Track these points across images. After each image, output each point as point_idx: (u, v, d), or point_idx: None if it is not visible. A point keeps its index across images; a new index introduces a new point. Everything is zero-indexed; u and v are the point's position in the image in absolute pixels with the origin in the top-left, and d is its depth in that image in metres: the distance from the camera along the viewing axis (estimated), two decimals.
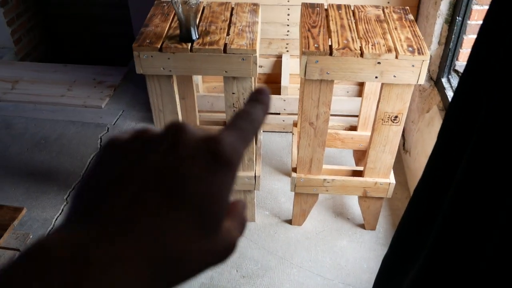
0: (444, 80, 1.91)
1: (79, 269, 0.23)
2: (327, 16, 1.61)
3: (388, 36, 1.48)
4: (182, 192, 0.26)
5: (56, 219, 1.96)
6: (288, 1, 2.12)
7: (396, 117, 1.56)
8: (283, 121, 2.34)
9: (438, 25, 1.85)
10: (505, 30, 0.86)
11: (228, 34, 1.50)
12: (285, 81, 2.23)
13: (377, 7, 1.66)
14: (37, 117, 2.50)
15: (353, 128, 2.01)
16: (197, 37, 1.46)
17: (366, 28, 1.53)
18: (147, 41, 1.45)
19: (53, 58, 3.54)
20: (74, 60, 3.23)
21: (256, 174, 1.75)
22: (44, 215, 1.97)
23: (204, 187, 0.26)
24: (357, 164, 2.14)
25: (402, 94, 1.50)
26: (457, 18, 1.76)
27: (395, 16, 1.60)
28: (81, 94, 2.60)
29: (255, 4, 1.68)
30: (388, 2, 2.08)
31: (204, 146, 0.27)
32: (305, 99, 1.54)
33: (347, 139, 1.97)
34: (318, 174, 1.75)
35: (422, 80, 1.45)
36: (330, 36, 1.49)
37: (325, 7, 1.67)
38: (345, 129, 2.01)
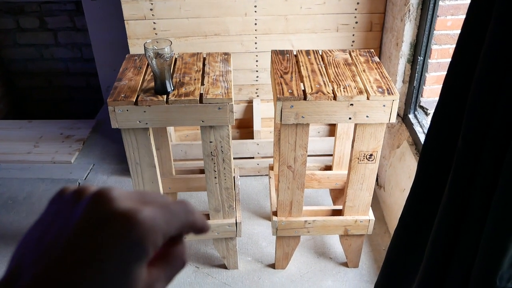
0: (411, 116, 1.99)
1: None
2: (297, 61, 1.67)
3: (358, 79, 1.54)
4: (99, 268, 0.26)
5: None
6: (256, 48, 2.18)
7: (371, 155, 1.60)
8: (258, 164, 2.35)
9: (401, 65, 1.94)
10: (474, 63, 0.92)
11: (202, 84, 1.52)
12: (257, 125, 2.26)
13: (343, 51, 1.73)
14: (3, 176, 2.41)
15: (328, 167, 2.04)
16: (172, 88, 1.47)
17: (336, 71, 1.59)
18: (122, 95, 1.45)
19: (16, 115, 3.45)
20: (38, 116, 3.16)
21: (237, 221, 1.74)
22: None
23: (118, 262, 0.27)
24: (334, 203, 2.15)
25: (375, 133, 1.55)
26: (419, 57, 1.85)
27: (361, 59, 1.67)
28: (49, 150, 2.53)
29: (226, 54, 1.72)
30: (352, 45, 2.17)
31: (122, 219, 0.27)
32: (282, 143, 1.56)
33: (324, 179, 2.00)
34: (299, 216, 1.75)
35: (394, 118, 1.50)
36: (302, 81, 1.54)
37: (294, 53, 1.73)
38: (320, 169, 2.04)
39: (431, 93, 1.95)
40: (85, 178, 2.42)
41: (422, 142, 1.83)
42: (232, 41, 2.15)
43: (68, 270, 0.26)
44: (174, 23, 2.10)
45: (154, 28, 2.11)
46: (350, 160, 1.63)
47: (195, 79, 1.54)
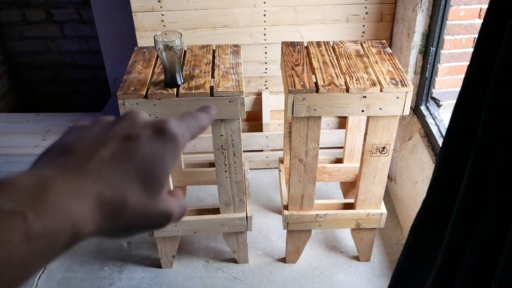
0: (423, 107, 1.96)
1: (37, 193, 0.26)
2: (308, 53, 1.64)
3: (370, 70, 1.52)
4: (132, 153, 0.31)
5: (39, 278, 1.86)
6: (264, 40, 2.15)
7: (384, 148, 1.57)
8: (267, 157, 2.33)
9: (413, 56, 1.91)
10: (496, 52, 0.90)
11: (213, 77, 1.50)
12: (266, 118, 2.24)
13: (355, 42, 1.70)
14: (12, 170, 2.40)
15: (339, 160, 2.02)
16: (182, 82, 1.45)
17: (348, 63, 1.56)
18: (132, 88, 1.43)
19: (23, 108, 3.45)
20: (45, 109, 3.15)
21: (247, 215, 1.72)
22: None
23: (150, 152, 0.31)
24: (345, 196, 2.14)
25: (389, 126, 1.52)
26: (431, 48, 1.82)
27: (373, 50, 1.64)
28: None
29: (236, 46, 1.69)
30: (362, 36, 2.14)
31: (154, 123, 0.33)
32: (294, 137, 1.54)
33: (334, 172, 1.98)
34: (310, 210, 1.73)
35: (407, 111, 1.48)
36: (314, 73, 1.51)
37: (305, 44, 1.70)
38: (331, 162, 2.02)
39: (443, 84, 1.92)
40: None
41: (434, 134, 1.81)
42: (241, 32, 2.13)
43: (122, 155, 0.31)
44: (182, 15, 2.07)
45: (162, 20, 2.08)
46: (362, 153, 1.61)
47: (205, 72, 1.52)
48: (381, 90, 1.43)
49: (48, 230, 0.25)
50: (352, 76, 1.48)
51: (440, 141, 1.77)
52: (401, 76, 1.48)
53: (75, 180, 0.28)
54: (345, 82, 1.46)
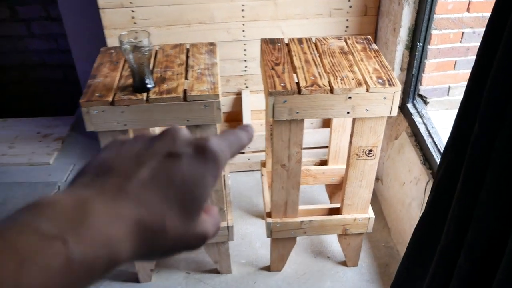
0: (409, 105, 1.88)
1: (77, 217, 0.25)
2: (289, 51, 1.53)
3: (356, 69, 1.42)
4: (173, 174, 0.30)
5: None
6: (243, 37, 2.04)
7: (370, 150, 1.48)
8: (249, 159, 2.23)
9: (399, 52, 1.82)
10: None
11: (186, 79, 1.38)
12: (247, 118, 2.13)
13: (338, 38, 1.60)
14: None
15: (324, 162, 1.92)
16: (153, 85, 1.33)
17: (331, 61, 1.46)
18: (96, 94, 1.31)
19: None
20: (13, 113, 2.98)
21: (228, 224, 1.62)
22: None
23: (192, 173, 0.30)
24: (330, 199, 2.05)
25: (375, 127, 1.43)
26: (418, 44, 1.73)
27: (358, 46, 1.54)
28: (25, 150, 2.37)
29: (212, 44, 1.58)
30: (345, 31, 2.04)
31: (195, 141, 0.31)
32: (275, 141, 1.43)
33: (319, 174, 1.88)
34: (294, 217, 1.64)
35: (395, 112, 1.39)
36: (295, 73, 1.41)
37: (286, 41, 1.60)
38: (315, 164, 1.93)
39: (430, 81, 1.84)
40: (65, 180, 2.27)
41: (422, 133, 1.73)
42: (218, 29, 2.01)
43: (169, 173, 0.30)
44: (154, 11, 1.94)
45: (133, 17, 1.95)
46: (348, 156, 1.51)
47: (178, 74, 1.40)
48: (367, 90, 1.34)
49: (87, 256, 0.25)
50: (336, 76, 1.38)
51: (428, 140, 1.69)
52: (388, 75, 1.39)
53: (114, 203, 0.27)
54: (329, 82, 1.36)
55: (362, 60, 1.47)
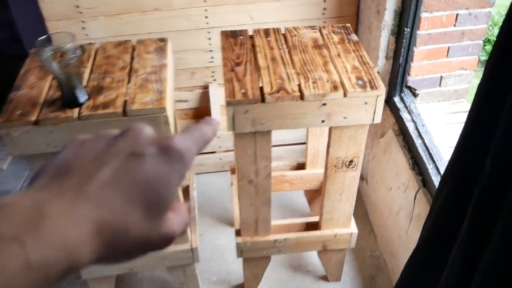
0: (396, 99, 1.66)
1: (34, 219, 0.24)
2: (253, 46, 1.30)
3: (331, 67, 1.20)
4: (136, 173, 0.28)
5: None
6: (207, 24, 1.79)
7: (351, 161, 1.28)
8: (220, 159, 2.01)
9: (384, 38, 1.59)
10: None
11: (128, 87, 1.15)
12: (216, 114, 1.90)
13: (312, 28, 1.37)
14: None
15: (301, 166, 1.72)
16: (86, 98, 1.10)
17: (303, 58, 1.23)
18: (18, 112, 1.07)
19: None
20: None
21: (192, 246, 1.42)
22: None
23: (156, 173, 0.29)
24: (310, 204, 1.85)
25: (356, 136, 1.22)
26: (405, 29, 1.50)
27: (335, 38, 1.31)
28: None
29: (162, 40, 1.33)
30: (323, 14, 1.80)
31: (159, 140, 0.30)
32: (239, 156, 1.22)
33: (296, 180, 1.68)
34: (267, 235, 1.44)
35: (378, 119, 1.17)
36: (260, 74, 1.18)
37: (250, 33, 1.36)
38: (292, 168, 1.72)
39: (420, 70, 1.62)
40: (20, 188, 2.05)
41: (411, 133, 1.52)
42: (177, 16, 1.75)
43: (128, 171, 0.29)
44: None
45: (78, 6, 1.69)
46: (326, 168, 1.31)
47: (118, 81, 1.17)
48: (345, 95, 1.12)
49: (46, 259, 0.24)
50: (308, 77, 1.16)
51: (417, 141, 1.49)
52: (370, 74, 1.17)
53: (73, 205, 0.26)
54: (299, 86, 1.14)
55: (339, 55, 1.24)
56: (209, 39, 1.82)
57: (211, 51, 1.86)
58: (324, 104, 1.12)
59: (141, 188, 0.28)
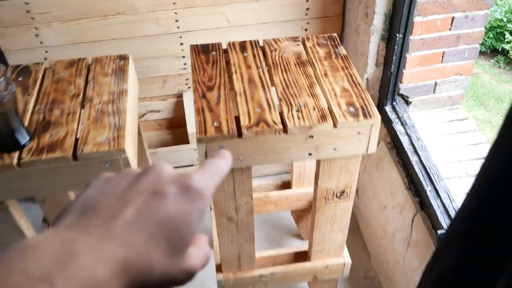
0: (388, 108, 1.52)
1: (63, 258, 0.25)
2: (227, 63, 1.13)
3: (318, 90, 1.04)
4: (158, 212, 0.30)
5: None
6: (178, 28, 1.60)
7: (343, 192, 1.13)
8: None
9: (374, 44, 1.43)
10: None
11: (80, 121, 0.98)
12: (192, 126, 1.74)
13: (294, 39, 1.20)
14: None
15: (286, 184, 1.57)
16: (29, 138, 0.93)
17: (285, 79, 1.07)
18: None
19: None
20: None
21: None
22: None
23: (177, 211, 0.30)
24: (297, 223, 1.72)
25: (348, 166, 1.07)
26: (397, 35, 1.34)
27: (321, 52, 1.15)
28: None
29: (123, 58, 1.15)
30: (306, 14, 1.62)
31: (179, 179, 0.32)
32: (215, 192, 1.06)
33: (281, 200, 1.53)
34: (251, 270, 1.30)
35: (373, 148, 1.03)
36: (236, 101, 1.02)
37: (224, 47, 1.19)
38: (276, 188, 1.58)
39: (413, 77, 1.47)
40: None
41: (405, 148, 1.38)
42: (144, 20, 1.56)
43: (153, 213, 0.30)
44: (56, 2, 1.48)
45: (28, 11, 1.48)
46: (315, 200, 1.16)
47: (69, 114, 0.99)
48: (334, 126, 0.97)
49: None
50: (291, 104, 1.00)
51: (413, 158, 1.35)
52: (362, 98, 1.01)
53: (100, 244, 0.27)
54: (281, 115, 0.98)
55: (326, 74, 1.08)
56: (181, 44, 1.64)
57: (183, 57, 1.68)
58: (311, 137, 0.97)
59: (163, 226, 0.29)
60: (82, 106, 1.01)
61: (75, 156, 0.90)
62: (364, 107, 0.99)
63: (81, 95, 1.04)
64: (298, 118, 0.96)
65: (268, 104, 1.00)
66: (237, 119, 0.98)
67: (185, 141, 1.82)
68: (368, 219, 1.67)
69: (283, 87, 1.05)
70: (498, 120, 2.84)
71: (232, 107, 1.00)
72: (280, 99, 1.01)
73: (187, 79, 1.75)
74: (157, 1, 1.52)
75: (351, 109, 0.99)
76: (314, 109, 0.98)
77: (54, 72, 1.11)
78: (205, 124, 0.95)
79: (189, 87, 1.77)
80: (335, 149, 1.00)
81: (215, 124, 0.96)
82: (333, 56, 1.14)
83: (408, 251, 1.37)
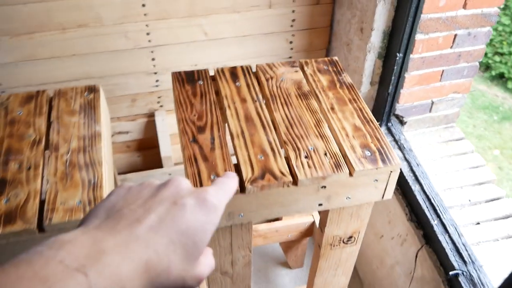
0: (383, 129, 1.41)
1: (94, 253, 0.27)
2: (218, 94, 0.97)
3: (326, 129, 0.90)
4: (178, 220, 0.32)
5: None
6: (149, 42, 1.42)
7: (350, 237, 1.01)
8: None
9: (370, 62, 1.31)
10: None
11: (44, 178, 0.79)
12: (165, 148, 1.56)
13: (291, 64, 1.05)
14: None
15: None
16: None
17: (287, 116, 0.92)
18: None
19: None
20: None
21: None
22: None
23: (195, 221, 0.32)
24: (286, 253, 1.59)
25: (359, 212, 0.95)
26: (398, 54, 1.23)
27: (323, 80, 1.01)
28: None
29: (92, 89, 0.97)
30: (292, 26, 1.48)
31: (196, 193, 0.34)
32: (211, 246, 0.91)
33: (270, 233, 1.40)
34: None
35: (390, 195, 0.91)
36: (234, 144, 0.87)
37: (211, 73, 1.03)
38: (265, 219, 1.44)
39: (410, 97, 1.37)
40: None
41: (405, 176, 1.28)
42: (110, 33, 1.37)
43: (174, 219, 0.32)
44: (4, 13, 1.26)
45: None
46: (318, 246, 1.03)
47: (29, 168, 0.80)
48: (350, 174, 0.83)
49: None
50: (298, 148, 0.86)
51: (414, 187, 1.25)
52: (378, 140, 0.89)
53: (126, 244, 0.29)
54: (288, 163, 0.83)
55: (333, 109, 0.95)
56: (153, 59, 1.46)
57: (155, 73, 1.50)
58: (323, 187, 0.83)
59: (182, 234, 0.31)
60: (45, 157, 0.83)
61: (41, 227, 0.72)
62: (382, 150, 0.86)
63: (43, 141, 0.85)
64: (309, 166, 0.82)
65: (272, 149, 0.86)
66: (237, 168, 0.83)
67: (157, 163, 1.64)
68: (363, 250, 1.57)
69: (286, 126, 0.90)
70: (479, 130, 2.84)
71: (229, 153, 0.85)
72: (285, 142, 0.87)
73: (159, 97, 1.57)
74: (126, 12, 1.33)
75: (367, 152, 0.86)
76: (326, 154, 0.85)
77: (7, 110, 0.91)
78: (200, 178, 0.80)
79: (161, 106, 1.59)
80: (349, 198, 0.88)
81: (212, 177, 0.80)
82: (338, 85, 1.00)
83: (411, 286, 1.27)
